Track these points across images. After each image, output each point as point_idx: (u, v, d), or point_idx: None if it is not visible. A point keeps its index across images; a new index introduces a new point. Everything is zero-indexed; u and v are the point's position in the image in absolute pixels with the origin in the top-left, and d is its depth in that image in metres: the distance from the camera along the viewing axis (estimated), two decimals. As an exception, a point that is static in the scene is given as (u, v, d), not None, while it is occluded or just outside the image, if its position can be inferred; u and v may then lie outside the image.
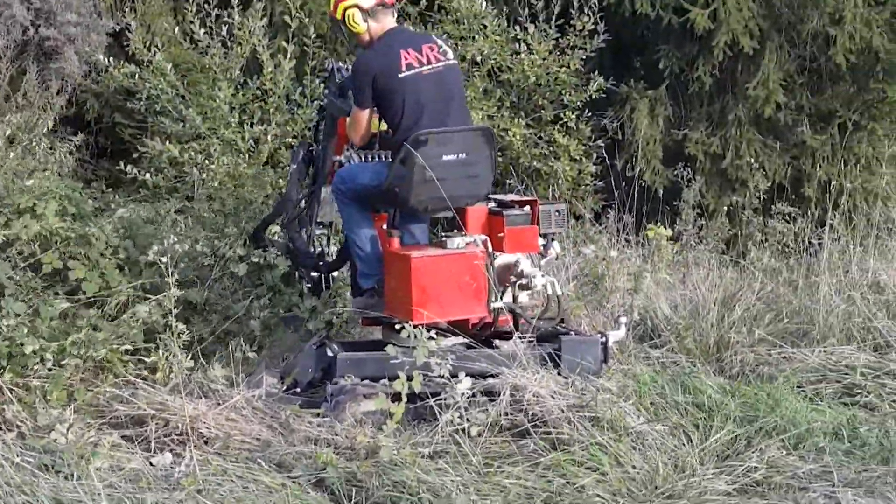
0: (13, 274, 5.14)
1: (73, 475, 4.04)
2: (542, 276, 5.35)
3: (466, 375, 4.74)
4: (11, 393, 4.64)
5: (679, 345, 5.98)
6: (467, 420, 4.65)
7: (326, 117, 5.92)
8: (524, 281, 5.30)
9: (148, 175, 7.87)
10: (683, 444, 4.61)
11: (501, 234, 5.22)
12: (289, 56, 8.08)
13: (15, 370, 4.78)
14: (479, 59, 8.03)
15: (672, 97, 8.73)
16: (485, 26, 8.12)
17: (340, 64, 5.92)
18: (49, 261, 5.29)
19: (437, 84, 5.23)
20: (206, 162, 7.84)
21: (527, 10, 8.12)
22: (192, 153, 7.89)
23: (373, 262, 5.27)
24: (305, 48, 8.32)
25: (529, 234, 5.32)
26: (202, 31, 8.13)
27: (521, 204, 5.38)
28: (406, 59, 5.17)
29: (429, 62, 5.22)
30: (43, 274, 5.32)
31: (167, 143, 7.96)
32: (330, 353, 5.30)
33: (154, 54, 8.21)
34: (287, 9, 8.25)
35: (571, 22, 8.06)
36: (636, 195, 7.65)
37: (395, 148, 5.16)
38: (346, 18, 5.25)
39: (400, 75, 5.14)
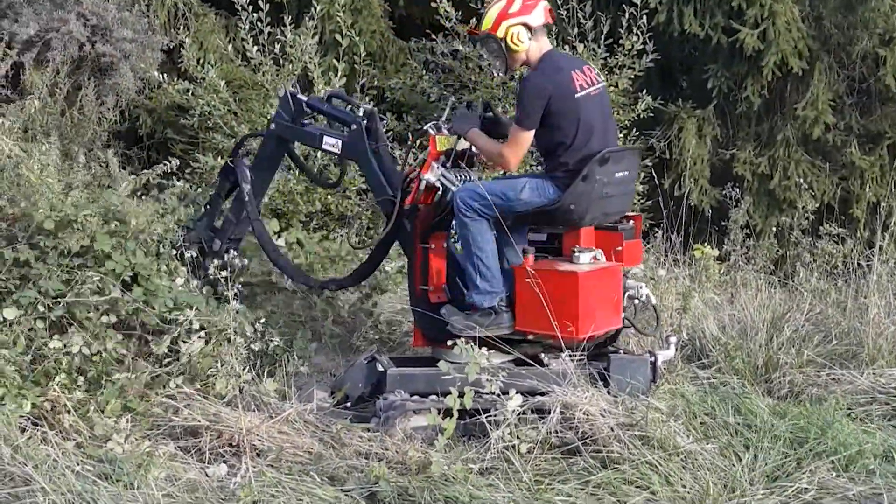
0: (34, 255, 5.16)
1: (131, 484, 4.12)
2: (645, 287, 5.46)
3: (517, 393, 4.77)
4: (67, 400, 4.71)
5: (727, 365, 5.97)
6: (517, 437, 4.68)
7: (269, 139, 6.01)
8: (631, 292, 5.42)
9: (199, 190, 7.97)
10: (733, 465, 4.61)
11: (620, 248, 5.32)
12: (339, 73, 8.18)
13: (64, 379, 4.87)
14: (528, 77, 8.05)
15: (720, 117, 8.74)
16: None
17: (292, 89, 5.98)
18: (75, 238, 5.21)
19: (600, 104, 5.30)
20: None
21: (576, 29, 8.16)
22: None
23: (497, 280, 5.22)
24: (355, 66, 8.43)
25: (637, 248, 5.52)
26: (255, 48, 8.24)
27: (627, 219, 5.50)
28: (577, 79, 5.19)
29: (592, 83, 5.26)
30: (70, 259, 5.23)
31: (218, 158, 8.07)
32: (380, 369, 5.36)
33: (207, 71, 8.33)
34: (338, 27, 8.37)
35: (620, 41, 8.09)
36: (683, 214, 7.64)
37: (567, 166, 5.15)
38: (509, 36, 5.19)
39: (576, 96, 5.15)
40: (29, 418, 4.61)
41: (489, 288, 5.20)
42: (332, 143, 5.76)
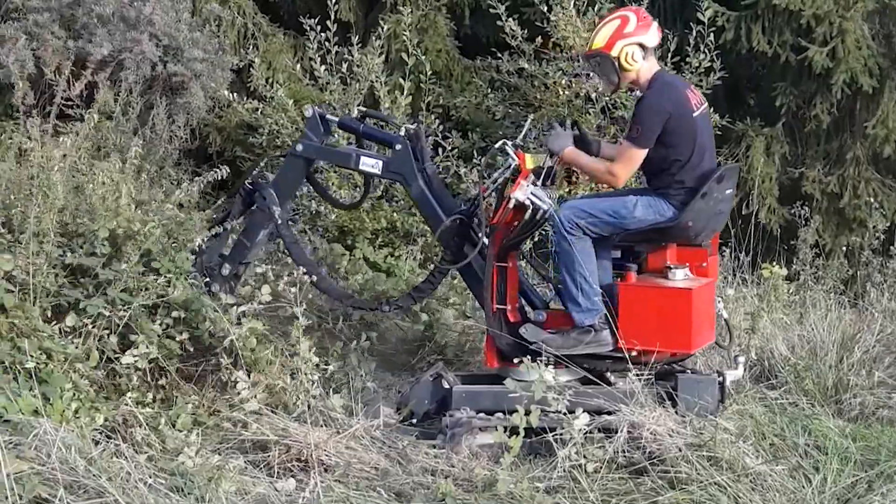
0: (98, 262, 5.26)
1: (203, 498, 4.16)
2: (720, 301, 5.50)
3: (583, 412, 4.76)
4: (139, 413, 4.79)
5: (797, 386, 5.89)
6: (584, 456, 4.66)
7: (293, 161, 5.82)
8: None
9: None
10: (803, 487, 4.55)
11: (705, 264, 5.37)
12: (405, 92, 8.22)
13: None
14: (593, 95, 8.06)
15: (789, 135, 8.67)
16: (600, 64, 8.14)
17: (318, 109, 5.83)
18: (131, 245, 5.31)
19: (708, 124, 5.41)
20: (324, 194, 7.99)
21: (643, 47, 8.12)
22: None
23: (597, 298, 5.22)
24: (421, 85, 8.47)
25: (715, 264, 5.56)
26: (322, 67, 8.33)
27: None
28: (692, 98, 5.26)
29: (702, 102, 5.33)
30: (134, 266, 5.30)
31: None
32: (445, 386, 5.37)
33: (275, 90, 8.44)
34: (404, 46, 8.43)
35: (687, 59, 8.04)
36: (752, 233, 7.58)
37: (683, 183, 5.20)
38: (623, 55, 5.19)
39: (694, 114, 5.21)
40: (102, 431, 4.68)
41: (590, 306, 5.21)
42: (371, 164, 5.65)
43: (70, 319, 5.01)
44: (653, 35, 5.26)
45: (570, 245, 5.20)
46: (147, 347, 4.99)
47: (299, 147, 5.78)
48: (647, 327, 5.10)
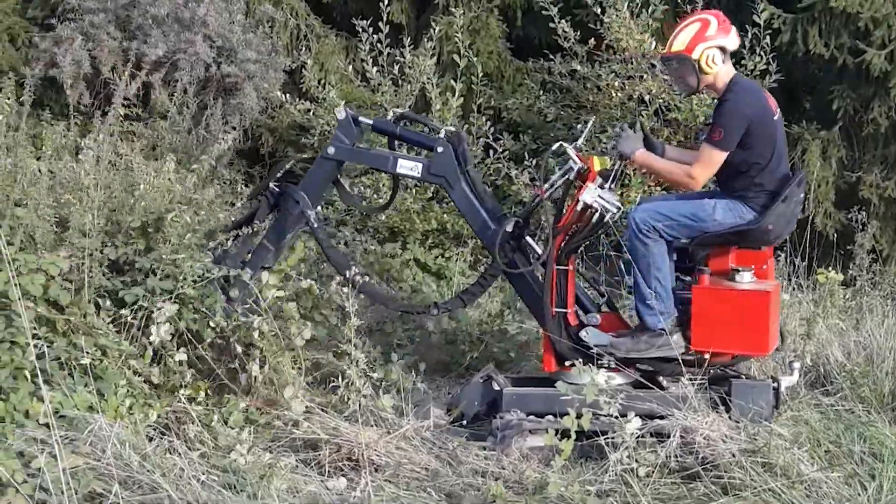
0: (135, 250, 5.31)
1: (255, 495, 4.18)
2: None
3: (635, 416, 4.71)
4: (192, 410, 4.82)
5: (852, 392, 5.80)
6: (636, 460, 4.62)
7: (324, 163, 5.62)
8: None
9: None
10: (858, 494, 4.48)
11: (765, 266, 5.36)
12: (456, 94, 8.21)
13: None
14: (646, 98, 8.00)
15: (846, 138, 8.54)
16: (653, 66, 8.09)
17: (349, 111, 5.65)
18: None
19: (783, 128, 5.39)
20: (375, 196, 8.02)
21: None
22: (362, 188, 8.09)
23: (670, 301, 5.22)
24: (472, 86, 8.46)
25: (772, 266, 5.52)
26: (374, 69, 8.35)
27: None
28: (771, 102, 5.26)
29: (777, 107, 5.32)
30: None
31: (338, 177, 8.16)
32: (496, 387, 5.36)
33: (327, 91, 8.48)
34: (456, 48, 8.44)
35: (742, 62, 7.96)
36: (807, 238, 7.48)
37: (762, 187, 5.18)
38: (704, 58, 5.18)
39: (774, 118, 5.22)
40: (155, 427, 4.73)
41: (664, 309, 5.19)
42: (409, 167, 5.51)
43: (104, 308, 5.05)
44: (733, 39, 5.25)
45: (647, 248, 5.19)
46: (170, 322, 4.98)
47: (331, 150, 5.59)
48: (722, 330, 5.10)
